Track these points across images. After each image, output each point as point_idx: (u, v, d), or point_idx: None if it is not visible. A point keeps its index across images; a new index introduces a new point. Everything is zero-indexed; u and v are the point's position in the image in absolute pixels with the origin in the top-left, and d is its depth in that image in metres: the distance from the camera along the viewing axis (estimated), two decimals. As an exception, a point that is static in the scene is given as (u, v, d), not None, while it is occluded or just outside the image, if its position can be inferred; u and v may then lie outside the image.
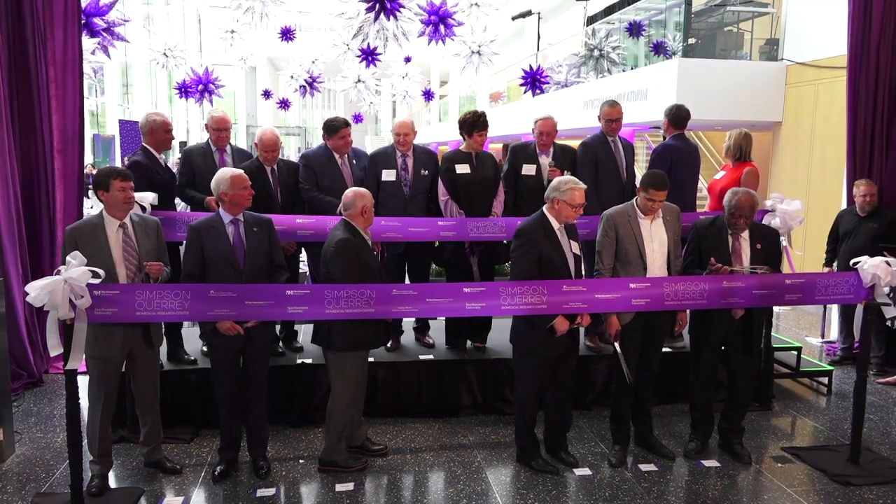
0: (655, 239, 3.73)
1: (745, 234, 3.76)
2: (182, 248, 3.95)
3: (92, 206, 3.78)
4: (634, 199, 3.76)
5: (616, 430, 3.95)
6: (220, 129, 4.43)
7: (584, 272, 3.77)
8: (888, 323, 4.01)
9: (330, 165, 4.50)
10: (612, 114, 4.66)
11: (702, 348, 3.91)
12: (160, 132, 4.20)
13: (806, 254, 7.40)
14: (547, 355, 3.66)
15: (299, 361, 4.39)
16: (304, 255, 5.08)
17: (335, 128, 4.45)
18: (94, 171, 9.79)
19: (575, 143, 4.90)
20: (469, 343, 4.78)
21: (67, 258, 3.05)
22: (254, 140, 4.48)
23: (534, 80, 8.87)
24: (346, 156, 4.56)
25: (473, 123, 4.45)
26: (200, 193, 4.31)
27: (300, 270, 5.57)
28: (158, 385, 3.66)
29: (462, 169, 4.48)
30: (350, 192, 3.61)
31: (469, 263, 4.61)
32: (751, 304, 3.72)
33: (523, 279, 3.54)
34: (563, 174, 4.32)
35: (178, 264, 4.27)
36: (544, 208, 3.62)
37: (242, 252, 3.47)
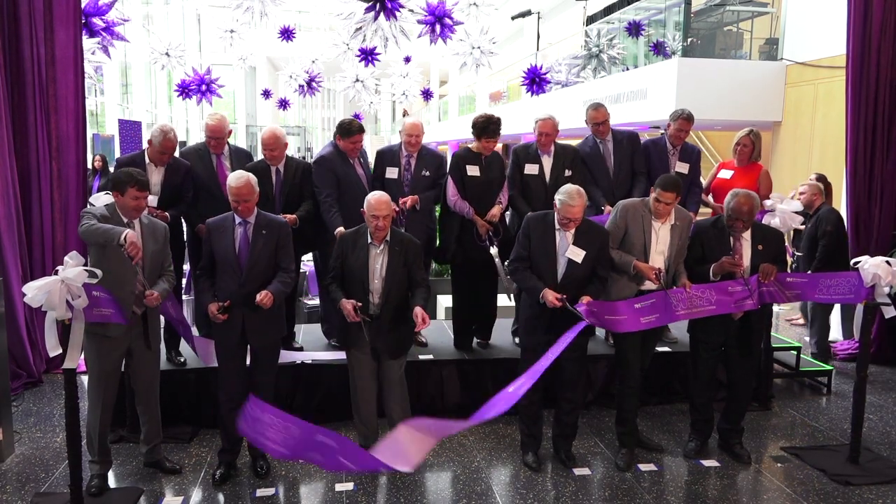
0: (661, 241, 3.73)
1: (747, 235, 3.77)
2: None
3: (91, 205, 3.76)
4: (650, 198, 3.76)
5: (622, 433, 3.94)
6: (212, 137, 4.31)
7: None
8: None
9: (346, 166, 4.47)
10: (595, 117, 4.68)
11: (701, 349, 3.92)
12: (154, 147, 4.06)
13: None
14: (524, 344, 3.77)
15: (299, 361, 4.39)
16: (307, 255, 5.07)
17: (350, 132, 4.41)
18: (100, 163, 9.76)
19: (574, 143, 4.90)
20: (475, 341, 4.80)
21: (66, 258, 3.06)
22: (257, 140, 4.44)
23: (533, 80, 8.84)
24: (358, 156, 4.57)
25: (483, 128, 4.43)
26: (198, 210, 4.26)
27: (301, 270, 5.57)
28: (158, 384, 3.65)
29: (472, 171, 4.48)
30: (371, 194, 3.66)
31: (487, 253, 4.49)
32: (756, 302, 3.73)
33: (515, 260, 3.70)
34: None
35: (179, 265, 4.27)
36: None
37: (245, 254, 3.47)
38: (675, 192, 3.63)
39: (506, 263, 3.82)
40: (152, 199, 3.94)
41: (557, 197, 3.57)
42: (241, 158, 4.48)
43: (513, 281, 3.84)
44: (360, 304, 3.49)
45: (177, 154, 4.31)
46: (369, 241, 3.59)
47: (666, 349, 4.75)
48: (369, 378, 3.75)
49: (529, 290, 3.64)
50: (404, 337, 3.77)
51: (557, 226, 3.61)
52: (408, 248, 3.65)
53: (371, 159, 4.79)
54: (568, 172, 4.49)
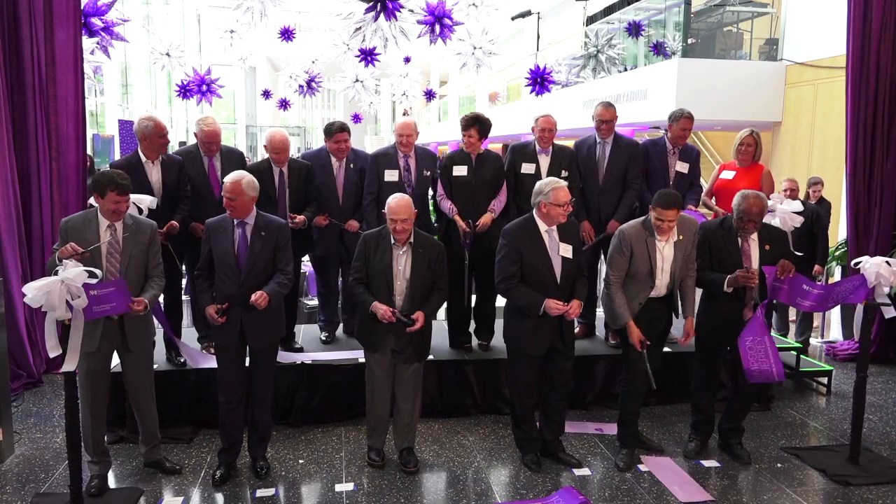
0: (667, 260, 3.70)
1: (754, 236, 3.76)
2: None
3: (91, 206, 3.76)
4: (649, 217, 3.69)
5: (624, 435, 3.94)
6: (209, 142, 4.30)
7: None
8: None
9: (323, 168, 4.54)
10: (603, 115, 4.65)
11: (708, 350, 3.91)
12: (154, 138, 4.06)
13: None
14: (528, 352, 3.70)
15: (299, 361, 4.39)
16: (307, 256, 5.06)
17: (330, 131, 4.53)
18: (88, 164, 9.75)
19: (571, 143, 4.90)
20: (475, 342, 4.80)
21: (65, 259, 3.05)
22: (257, 140, 4.45)
23: (536, 80, 8.84)
24: (345, 160, 4.57)
25: (465, 123, 4.46)
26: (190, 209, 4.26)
27: (301, 270, 5.56)
28: (152, 386, 3.63)
29: (459, 171, 4.48)
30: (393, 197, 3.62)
31: (463, 256, 4.54)
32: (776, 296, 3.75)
33: (506, 279, 3.60)
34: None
35: (170, 264, 4.20)
36: (533, 211, 3.64)
37: (244, 255, 3.46)
38: (676, 209, 3.57)
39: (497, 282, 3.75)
40: (152, 200, 3.93)
41: (539, 196, 3.56)
42: (233, 160, 4.46)
43: (508, 300, 3.74)
44: (395, 309, 3.55)
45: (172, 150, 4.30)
46: (392, 242, 3.59)
47: (666, 349, 4.74)
48: (387, 379, 3.75)
49: (529, 306, 3.57)
50: (427, 340, 3.77)
51: (545, 227, 3.60)
52: (430, 250, 3.66)
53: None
54: (564, 173, 4.48)
